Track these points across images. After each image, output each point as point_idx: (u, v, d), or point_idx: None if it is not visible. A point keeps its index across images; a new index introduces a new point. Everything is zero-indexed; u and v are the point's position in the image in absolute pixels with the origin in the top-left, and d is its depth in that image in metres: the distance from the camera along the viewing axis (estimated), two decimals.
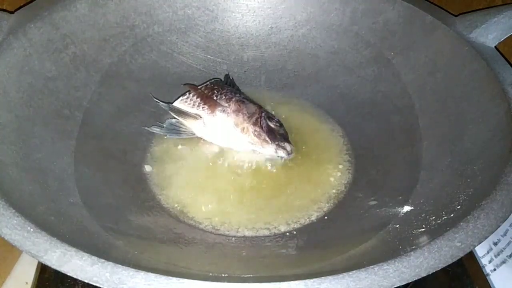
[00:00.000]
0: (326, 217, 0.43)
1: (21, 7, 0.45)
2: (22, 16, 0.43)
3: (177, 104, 0.50)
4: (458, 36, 0.44)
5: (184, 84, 0.51)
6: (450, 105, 0.43)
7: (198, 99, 0.49)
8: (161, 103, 0.50)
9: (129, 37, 0.51)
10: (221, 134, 0.48)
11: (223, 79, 0.55)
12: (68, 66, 0.45)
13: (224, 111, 0.48)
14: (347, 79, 0.54)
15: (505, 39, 0.44)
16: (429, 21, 0.47)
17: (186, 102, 0.49)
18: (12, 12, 0.43)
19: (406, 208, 0.38)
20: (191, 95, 0.50)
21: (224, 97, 0.49)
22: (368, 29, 0.52)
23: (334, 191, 0.45)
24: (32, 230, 0.27)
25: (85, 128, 0.44)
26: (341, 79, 0.54)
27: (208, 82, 0.52)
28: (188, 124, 0.49)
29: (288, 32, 0.55)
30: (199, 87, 0.51)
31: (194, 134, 0.49)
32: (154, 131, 0.48)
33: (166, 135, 0.49)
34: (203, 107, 0.49)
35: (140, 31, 0.51)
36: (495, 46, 0.43)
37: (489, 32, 0.44)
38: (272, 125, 0.48)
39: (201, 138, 0.49)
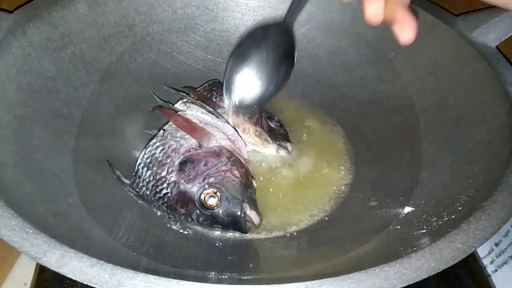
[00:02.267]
0: (326, 218, 0.43)
1: (20, 6, 0.44)
2: (21, 15, 0.43)
3: (178, 106, 0.49)
4: (459, 36, 0.44)
5: (183, 87, 0.51)
6: (450, 106, 0.43)
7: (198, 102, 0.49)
8: (161, 101, 0.49)
9: (129, 37, 0.50)
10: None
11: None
12: (67, 65, 0.45)
13: (224, 112, 0.48)
14: (347, 79, 0.53)
15: (506, 39, 0.44)
16: (430, 21, 0.47)
17: (186, 104, 0.49)
18: (11, 12, 0.43)
19: (407, 209, 0.38)
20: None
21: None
22: (368, 29, 0.51)
23: (334, 191, 0.45)
24: (31, 231, 0.27)
25: (85, 128, 0.44)
26: (341, 79, 0.54)
27: (206, 84, 0.52)
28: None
29: None
30: (198, 88, 0.51)
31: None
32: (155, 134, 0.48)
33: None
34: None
35: (140, 31, 0.51)
36: (496, 46, 0.43)
37: (490, 32, 0.44)
38: (272, 125, 0.48)
39: None
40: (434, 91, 0.45)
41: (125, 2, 0.49)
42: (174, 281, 0.25)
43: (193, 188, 0.40)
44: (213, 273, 0.32)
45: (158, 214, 0.42)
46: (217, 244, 0.40)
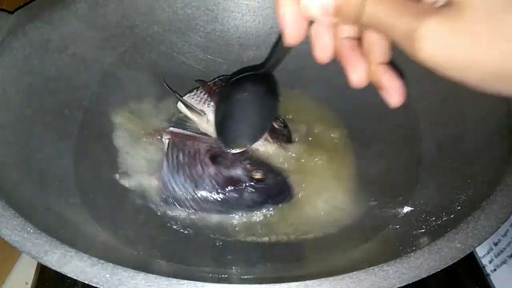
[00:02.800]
0: (326, 218, 0.43)
1: (20, 7, 0.44)
2: (22, 16, 0.43)
3: (185, 98, 0.50)
4: None
5: (196, 80, 0.52)
6: (450, 105, 0.43)
7: (205, 96, 0.49)
8: (170, 89, 0.50)
9: (129, 37, 0.50)
10: None
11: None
12: (68, 66, 0.45)
13: None
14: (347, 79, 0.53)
15: None
16: None
17: (193, 98, 0.50)
18: (11, 12, 0.43)
19: (406, 209, 0.38)
20: (198, 91, 0.50)
21: None
22: None
23: (334, 191, 0.45)
24: (32, 231, 0.27)
25: (85, 128, 0.44)
26: (341, 79, 0.53)
27: (216, 79, 0.52)
28: (193, 119, 0.49)
29: None
30: (208, 83, 0.51)
31: (199, 130, 0.49)
32: (162, 125, 0.49)
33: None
34: (208, 104, 0.49)
35: (140, 31, 0.51)
36: None
37: None
38: (275, 125, 0.48)
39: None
40: (434, 91, 0.45)
41: (125, 3, 0.49)
42: (175, 280, 0.25)
43: (238, 170, 0.42)
44: (213, 272, 0.32)
45: (159, 214, 0.42)
46: (217, 244, 0.40)
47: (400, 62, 0.48)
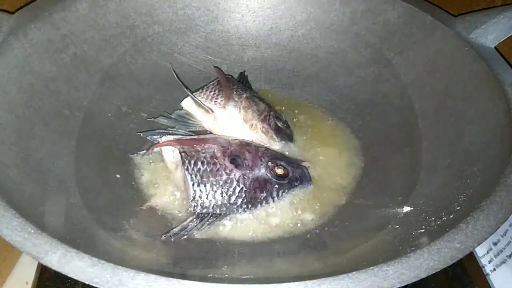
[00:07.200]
0: (326, 218, 0.43)
1: (21, 7, 0.45)
2: (23, 16, 0.43)
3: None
4: (458, 36, 0.44)
5: (215, 67, 0.54)
6: (450, 106, 0.43)
7: (211, 94, 0.50)
8: (181, 83, 0.50)
9: (129, 37, 0.51)
10: (230, 129, 0.48)
11: (237, 76, 0.56)
12: (68, 66, 0.45)
13: (235, 106, 0.48)
14: (347, 80, 0.54)
15: (504, 39, 0.44)
16: (429, 22, 0.47)
17: (200, 95, 0.50)
18: (12, 13, 0.43)
19: (406, 209, 0.38)
20: (205, 90, 0.51)
21: (235, 92, 0.50)
22: (368, 29, 0.52)
23: (333, 191, 0.45)
24: (32, 231, 0.27)
25: (86, 128, 0.44)
26: (341, 79, 0.54)
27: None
28: (199, 116, 0.49)
29: (288, 32, 0.55)
30: (211, 82, 0.52)
31: (203, 127, 0.49)
32: (162, 122, 0.49)
33: (174, 126, 0.49)
34: (215, 101, 0.49)
35: (140, 31, 0.51)
36: (494, 47, 0.44)
37: (489, 33, 0.44)
38: (279, 125, 0.49)
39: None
40: (433, 91, 0.45)
41: (125, 3, 0.49)
42: (175, 280, 0.25)
43: (262, 170, 0.43)
44: (214, 272, 0.32)
45: (159, 214, 0.42)
46: (217, 244, 0.40)
47: (399, 63, 0.49)
